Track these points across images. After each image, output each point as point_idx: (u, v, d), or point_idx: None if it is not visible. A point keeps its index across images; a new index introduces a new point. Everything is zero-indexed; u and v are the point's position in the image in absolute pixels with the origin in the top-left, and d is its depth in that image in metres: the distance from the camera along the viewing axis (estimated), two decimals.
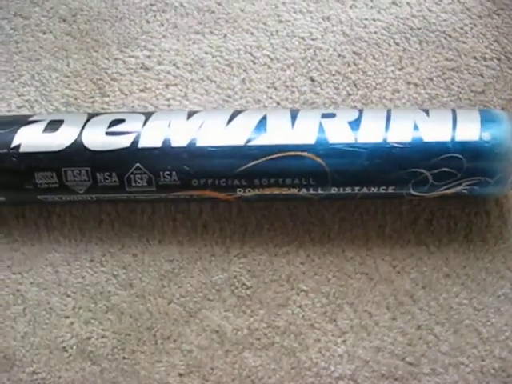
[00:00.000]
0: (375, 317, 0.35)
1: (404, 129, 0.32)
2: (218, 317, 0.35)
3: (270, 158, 0.32)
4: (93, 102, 0.37)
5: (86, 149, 0.32)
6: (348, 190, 0.33)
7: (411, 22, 0.38)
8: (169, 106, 0.37)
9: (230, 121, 0.33)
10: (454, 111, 0.34)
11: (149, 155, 0.32)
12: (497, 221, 0.36)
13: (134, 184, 0.33)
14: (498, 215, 0.36)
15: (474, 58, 0.38)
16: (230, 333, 0.35)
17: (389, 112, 0.33)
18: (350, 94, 0.37)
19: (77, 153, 0.32)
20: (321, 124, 0.32)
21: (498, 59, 0.37)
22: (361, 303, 0.35)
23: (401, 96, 0.37)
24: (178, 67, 0.38)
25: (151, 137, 0.32)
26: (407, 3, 0.38)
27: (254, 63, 0.38)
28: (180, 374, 0.35)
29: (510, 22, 0.38)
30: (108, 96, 0.37)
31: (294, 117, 0.33)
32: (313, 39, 0.38)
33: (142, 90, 0.37)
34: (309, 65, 0.38)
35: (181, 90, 0.37)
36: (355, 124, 0.33)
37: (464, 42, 0.38)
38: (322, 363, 0.34)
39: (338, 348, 0.35)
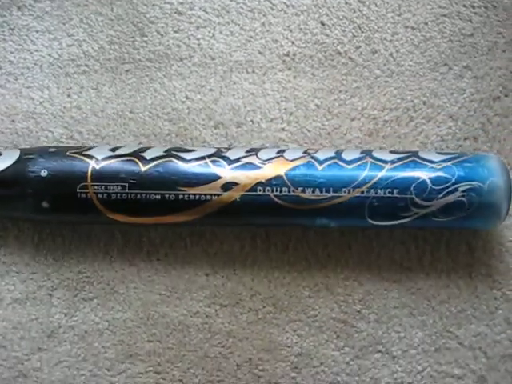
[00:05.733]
0: None
1: None
2: None
3: None
4: (133, 41, 0.41)
5: None
6: None
7: None
8: (199, 45, 0.41)
9: None
10: None
11: None
12: None
13: None
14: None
15: (464, 5, 0.41)
16: None
17: None
18: (355, 36, 0.41)
19: None
20: None
21: (485, 7, 0.41)
22: None
23: (399, 38, 0.41)
24: (206, 12, 0.41)
25: None
26: None
27: (273, 9, 0.41)
28: (206, 274, 0.39)
29: None
30: (146, 36, 0.41)
31: None
32: None
33: (175, 32, 0.41)
34: (320, 10, 0.41)
35: (209, 32, 0.41)
36: None
37: None
38: None
39: None
